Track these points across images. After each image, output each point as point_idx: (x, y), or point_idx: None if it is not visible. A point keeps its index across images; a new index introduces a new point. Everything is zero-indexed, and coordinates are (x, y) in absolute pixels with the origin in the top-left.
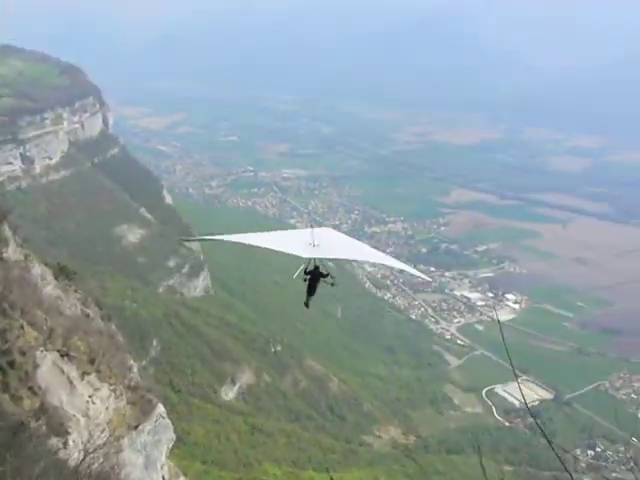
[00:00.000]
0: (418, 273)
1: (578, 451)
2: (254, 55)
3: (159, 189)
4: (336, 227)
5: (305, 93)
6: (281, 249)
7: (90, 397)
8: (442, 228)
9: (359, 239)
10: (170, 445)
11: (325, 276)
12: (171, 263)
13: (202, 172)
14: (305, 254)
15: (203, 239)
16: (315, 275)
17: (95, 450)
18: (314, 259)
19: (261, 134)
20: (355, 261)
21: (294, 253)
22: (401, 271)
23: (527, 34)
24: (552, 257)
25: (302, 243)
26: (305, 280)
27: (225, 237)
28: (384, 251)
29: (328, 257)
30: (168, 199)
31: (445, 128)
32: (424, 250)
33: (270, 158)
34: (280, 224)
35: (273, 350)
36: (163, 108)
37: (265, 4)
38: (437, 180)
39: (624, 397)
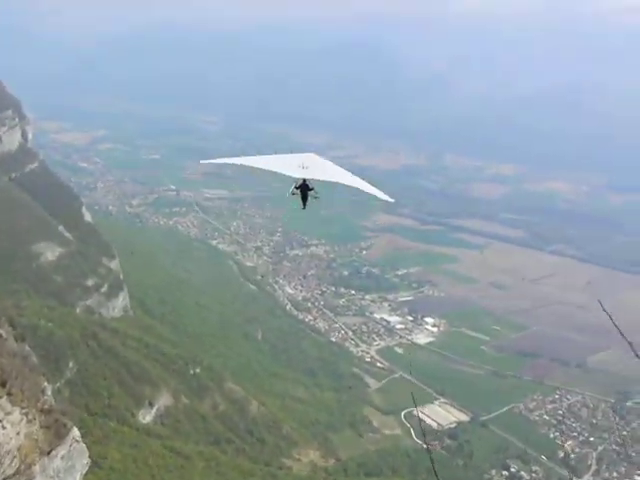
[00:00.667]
0: (384, 196)
1: (493, 471)
2: (179, 74)
3: (79, 206)
4: (258, 249)
5: (230, 115)
6: (277, 170)
7: (0, 422)
8: (363, 251)
9: (280, 262)
10: (85, 470)
11: (311, 189)
12: (89, 282)
13: (123, 190)
14: (297, 174)
15: (220, 162)
16: (304, 188)
17: None
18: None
19: (185, 153)
20: (337, 183)
21: (288, 174)
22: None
23: (449, 64)
24: (470, 281)
25: (294, 166)
26: (293, 194)
27: (234, 160)
28: (305, 274)
29: (315, 178)
30: (88, 217)
31: (368, 153)
32: (345, 273)
33: (193, 178)
34: (203, 244)
35: (192, 372)
36: (85, 124)
37: (191, 23)
38: (359, 203)
39: (537, 418)
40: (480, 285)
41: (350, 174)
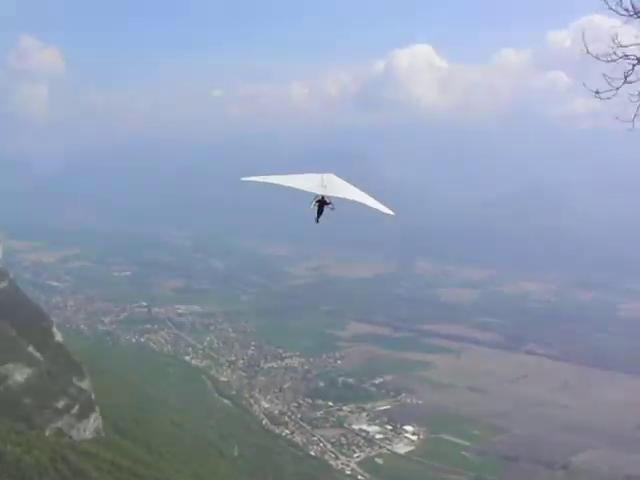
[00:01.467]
0: (387, 211)
1: None
2: (149, 190)
3: (49, 326)
4: (232, 363)
5: (200, 229)
6: (302, 188)
7: None
8: (339, 362)
9: (255, 376)
10: None
11: (328, 204)
12: (60, 404)
13: (95, 308)
14: (319, 192)
15: (259, 180)
16: (322, 203)
17: None
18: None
19: (155, 269)
20: (351, 200)
21: (312, 191)
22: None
23: (416, 168)
24: (448, 387)
25: (315, 184)
26: (313, 206)
27: (269, 179)
28: (281, 387)
29: (334, 195)
30: (58, 336)
31: (338, 263)
32: (322, 384)
33: (164, 294)
34: (176, 361)
35: None
36: (55, 242)
37: (164, 140)
38: (332, 314)
39: None
40: (458, 390)
41: (361, 192)
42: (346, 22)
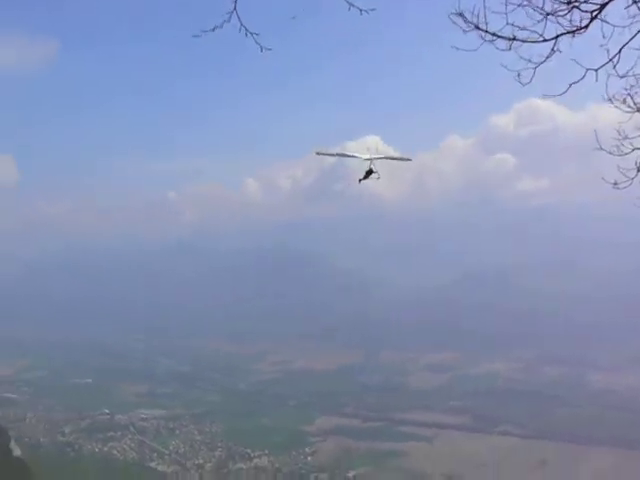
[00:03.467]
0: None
1: None
2: (100, 295)
3: (6, 441)
4: (200, 467)
5: (158, 332)
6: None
7: None
8: (309, 458)
9: (225, 479)
10: None
11: (375, 172)
12: None
13: (54, 418)
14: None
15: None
16: (368, 173)
17: None
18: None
19: (116, 375)
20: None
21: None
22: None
23: (368, 258)
24: (422, 475)
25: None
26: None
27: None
28: None
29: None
30: (17, 451)
31: (301, 356)
32: None
33: (127, 400)
34: (141, 468)
35: None
36: (10, 354)
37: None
38: (300, 409)
39: None
40: (432, 477)
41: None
42: (296, 115)
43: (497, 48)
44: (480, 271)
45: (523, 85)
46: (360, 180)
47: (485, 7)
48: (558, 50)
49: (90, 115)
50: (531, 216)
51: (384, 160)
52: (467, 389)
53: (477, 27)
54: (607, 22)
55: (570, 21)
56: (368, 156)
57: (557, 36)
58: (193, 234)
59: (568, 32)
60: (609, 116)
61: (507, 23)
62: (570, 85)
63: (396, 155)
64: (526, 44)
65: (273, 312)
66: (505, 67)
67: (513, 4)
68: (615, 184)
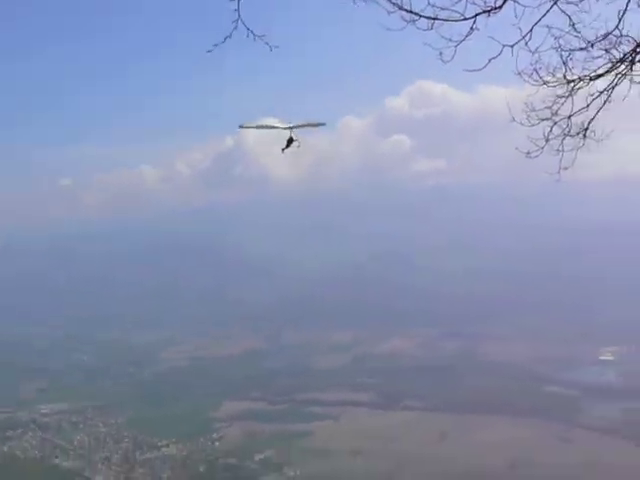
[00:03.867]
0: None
1: None
2: None
3: None
4: (106, 459)
5: (58, 324)
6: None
7: None
8: (217, 443)
9: (132, 469)
10: None
11: (295, 141)
12: None
13: None
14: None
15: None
16: (289, 142)
17: None
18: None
19: (16, 372)
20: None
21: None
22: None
23: (274, 242)
24: (328, 454)
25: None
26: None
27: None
28: (160, 477)
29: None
30: None
31: (208, 342)
32: (202, 469)
33: (27, 396)
34: (43, 466)
35: None
36: None
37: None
38: (206, 396)
39: None
40: (339, 455)
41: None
42: (187, 100)
43: (418, 28)
44: (385, 251)
45: (445, 63)
46: (283, 149)
47: None
48: (477, 29)
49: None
50: (431, 197)
51: (279, 141)
52: (371, 367)
53: (401, 8)
54: (518, 3)
55: (485, 2)
56: (288, 125)
57: (475, 15)
58: (93, 221)
59: (484, 11)
60: (498, 97)
61: (428, 4)
62: (489, 60)
63: (312, 122)
64: (446, 24)
65: (179, 299)
66: (430, 45)
67: None
68: (528, 153)
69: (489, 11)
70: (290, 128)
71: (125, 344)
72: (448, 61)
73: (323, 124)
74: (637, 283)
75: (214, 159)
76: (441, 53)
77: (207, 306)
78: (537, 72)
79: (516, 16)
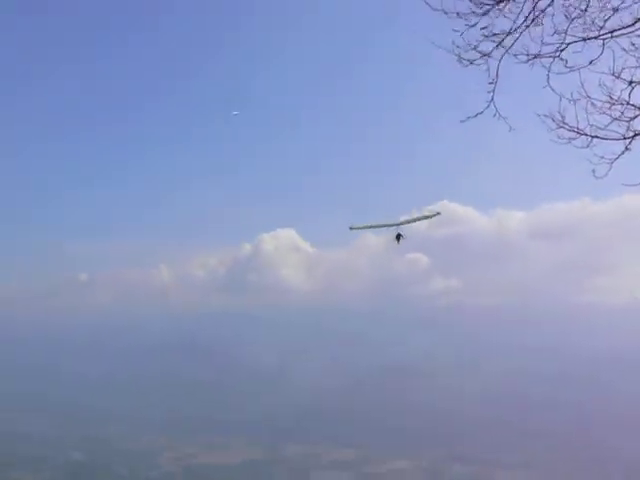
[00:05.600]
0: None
1: None
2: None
3: None
4: None
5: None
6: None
7: None
8: None
9: None
10: None
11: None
12: None
13: None
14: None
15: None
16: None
17: None
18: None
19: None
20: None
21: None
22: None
23: (280, 351)
24: None
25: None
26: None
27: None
28: None
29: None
30: None
31: (203, 450)
32: None
33: None
34: None
35: None
36: None
37: None
38: None
39: None
40: None
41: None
42: (214, 206)
43: (575, 146)
44: (399, 366)
45: (597, 179)
46: (397, 241)
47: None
48: (629, 149)
49: None
50: (446, 314)
51: (302, 255)
52: None
53: (562, 126)
54: None
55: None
56: (400, 221)
57: (634, 135)
58: (104, 321)
59: None
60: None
61: (588, 124)
62: None
63: (426, 215)
64: (597, 141)
65: (179, 398)
66: (589, 161)
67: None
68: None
69: None
70: (400, 224)
71: (119, 448)
72: (601, 177)
73: (438, 214)
74: None
75: (230, 265)
76: (594, 170)
77: (208, 409)
78: None
79: None
